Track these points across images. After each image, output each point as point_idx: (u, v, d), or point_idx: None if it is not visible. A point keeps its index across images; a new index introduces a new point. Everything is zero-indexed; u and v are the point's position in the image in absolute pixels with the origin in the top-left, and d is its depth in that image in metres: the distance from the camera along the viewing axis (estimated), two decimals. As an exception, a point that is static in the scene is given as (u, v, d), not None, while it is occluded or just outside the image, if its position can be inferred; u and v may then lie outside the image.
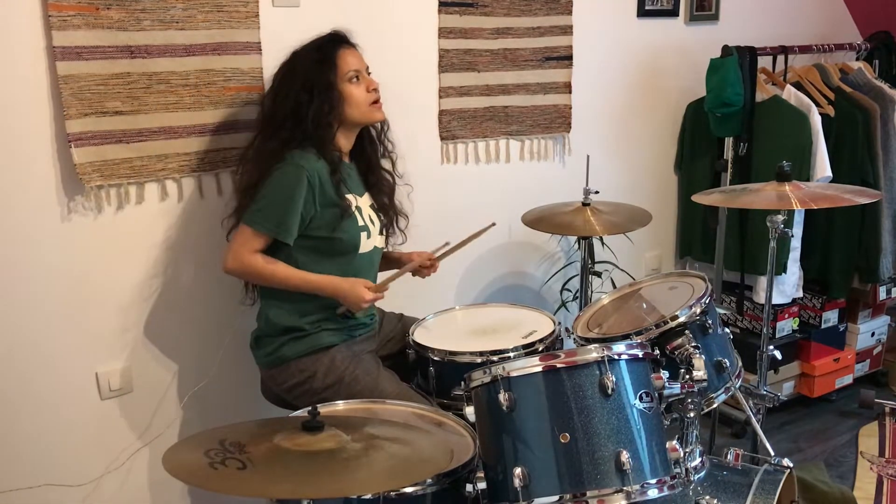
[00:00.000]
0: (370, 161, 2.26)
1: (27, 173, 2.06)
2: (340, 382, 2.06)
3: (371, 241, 2.18)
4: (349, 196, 2.12)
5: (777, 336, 3.20)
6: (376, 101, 2.15)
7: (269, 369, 2.15)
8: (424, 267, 2.29)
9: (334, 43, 2.12)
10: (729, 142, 3.14)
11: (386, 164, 2.31)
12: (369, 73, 2.17)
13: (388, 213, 2.28)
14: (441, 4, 2.64)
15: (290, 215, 2.01)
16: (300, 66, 2.10)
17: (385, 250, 2.31)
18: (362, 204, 2.18)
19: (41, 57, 2.03)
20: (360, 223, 2.14)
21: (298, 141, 2.06)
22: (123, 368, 2.29)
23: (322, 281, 2.07)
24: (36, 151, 2.07)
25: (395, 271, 2.18)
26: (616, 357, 1.57)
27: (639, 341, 1.75)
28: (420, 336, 2.22)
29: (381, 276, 2.22)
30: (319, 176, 2.04)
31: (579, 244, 2.92)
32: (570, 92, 2.96)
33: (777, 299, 3.05)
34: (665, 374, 1.65)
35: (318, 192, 2.03)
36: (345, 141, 2.16)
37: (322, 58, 2.09)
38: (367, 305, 2.07)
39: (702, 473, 1.82)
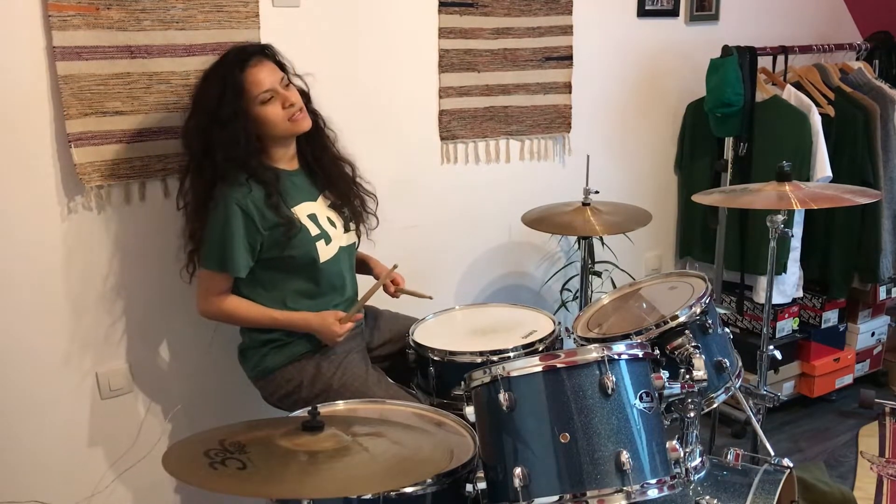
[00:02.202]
0: (318, 157, 2.17)
1: (27, 173, 2.07)
2: (329, 390, 2.05)
3: (334, 245, 2.12)
4: (295, 209, 2.06)
5: (777, 336, 3.20)
6: (295, 114, 2.02)
7: (258, 381, 2.15)
8: (390, 287, 2.24)
9: (238, 63, 1.97)
10: (729, 142, 3.14)
11: (335, 152, 2.22)
12: (288, 84, 2.04)
13: (354, 200, 2.21)
14: (441, 4, 2.64)
15: (232, 250, 1.97)
16: (204, 96, 1.99)
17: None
18: (317, 209, 2.12)
19: (41, 57, 2.03)
20: (315, 232, 2.08)
21: (223, 173, 1.97)
22: (123, 368, 2.29)
23: (292, 318, 2.06)
24: (36, 151, 2.07)
25: (365, 293, 2.12)
26: (616, 357, 1.57)
27: (639, 341, 1.75)
28: (420, 336, 2.22)
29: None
30: (253, 202, 1.97)
31: (579, 244, 2.92)
32: (570, 92, 2.96)
33: (777, 299, 3.05)
34: (665, 374, 1.65)
35: (257, 217, 1.98)
36: (280, 152, 2.09)
37: (223, 83, 1.96)
38: (341, 339, 2.06)
39: (702, 473, 1.82)
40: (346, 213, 2.19)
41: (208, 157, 1.99)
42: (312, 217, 2.10)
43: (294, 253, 2.04)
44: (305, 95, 2.15)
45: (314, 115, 2.15)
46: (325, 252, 2.09)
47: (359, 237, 2.25)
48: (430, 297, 2.27)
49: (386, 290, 2.24)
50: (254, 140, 2.00)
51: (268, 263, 2.05)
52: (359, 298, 2.17)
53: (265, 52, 2.04)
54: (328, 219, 2.14)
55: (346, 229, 2.18)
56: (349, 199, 2.21)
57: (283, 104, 2.01)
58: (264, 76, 1.99)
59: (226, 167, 1.97)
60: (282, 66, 2.07)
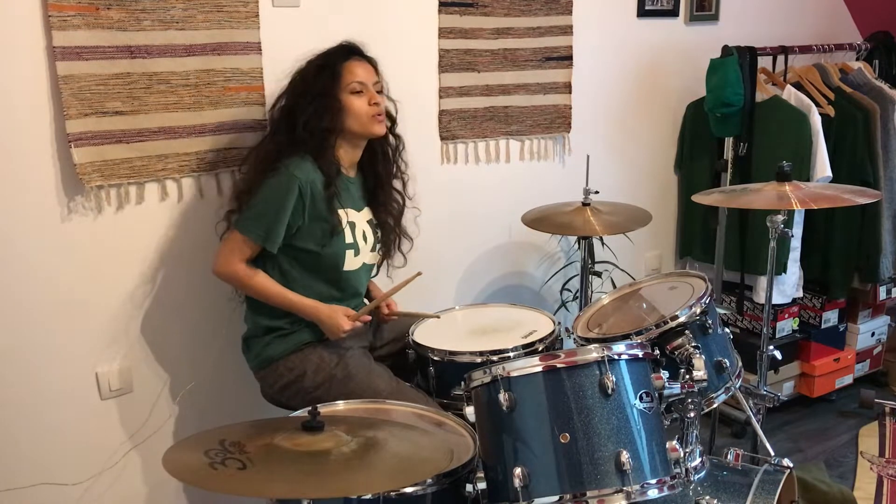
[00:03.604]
0: (380, 178, 2.25)
1: (27, 173, 2.06)
2: (332, 380, 2.06)
3: (360, 259, 2.17)
4: (341, 211, 2.11)
5: (777, 336, 3.20)
6: (378, 115, 2.12)
7: (260, 371, 2.16)
8: (384, 309, 2.27)
9: (343, 53, 2.11)
10: (729, 142, 3.14)
11: (397, 184, 2.30)
12: (381, 91, 2.15)
13: (391, 234, 2.28)
14: (441, 4, 2.64)
15: (278, 224, 2.02)
16: (303, 72, 2.12)
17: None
18: (357, 219, 2.17)
19: (41, 57, 2.03)
20: (349, 240, 2.13)
21: (294, 147, 2.05)
22: (123, 368, 2.29)
23: (303, 303, 2.07)
24: (36, 151, 2.07)
25: (376, 298, 2.22)
26: (616, 357, 1.57)
27: (639, 341, 1.75)
28: (420, 336, 2.22)
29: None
30: (312, 188, 2.03)
31: (579, 244, 2.92)
32: (570, 92, 2.96)
33: (777, 299, 3.05)
34: (665, 374, 1.65)
35: (308, 203, 2.03)
36: (347, 153, 2.15)
37: (324, 64, 2.09)
38: (344, 335, 2.07)
39: (702, 473, 1.82)
40: (378, 235, 2.24)
41: (289, 122, 2.07)
42: (351, 225, 2.14)
43: (324, 252, 2.08)
44: (391, 118, 2.25)
45: (396, 138, 2.25)
46: (350, 262, 2.14)
47: (379, 266, 2.31)
48: (438, 317, 2.29)
49: (379, 311, 2.27)
50: (335, 123, 2.07)
51: (295, 253, 2.07)
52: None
53: (371, 62, 2.16)
54: (363, 233, 2.18)
55: (373, 249, 2.23)
56: (389, 229, 2.27)
57: (369, 100, 2.10)
58: (361, 70, 2.11)
59: (297, 141, 2.04)
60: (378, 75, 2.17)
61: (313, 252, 2.08)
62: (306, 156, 2.05)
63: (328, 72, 2.08)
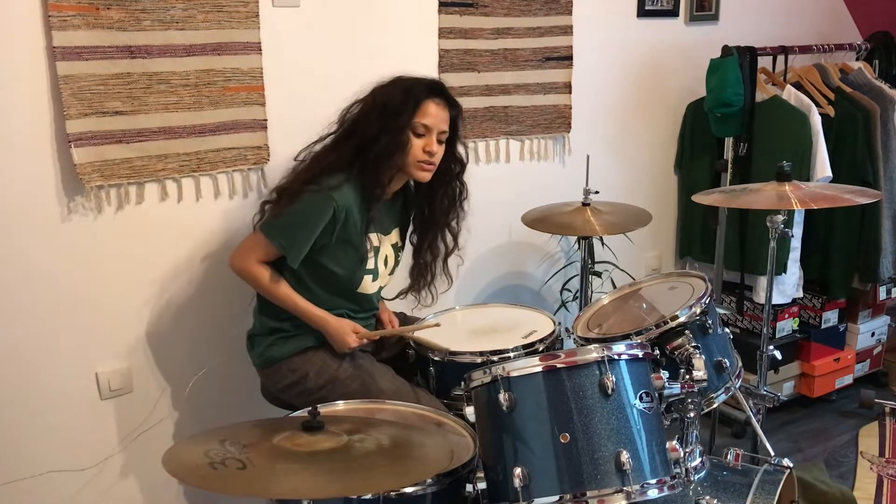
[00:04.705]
0: (435, 219, 2.21)
1: (27, 173, 2.06)
2: (335, 381, 2.06)
3: (377, 283, 2.17)
4: (372, 236, 2.10)
5: (777, 336, 3.20)
6: (427, 163, 2.06)
7: (263, 369, 2.15)
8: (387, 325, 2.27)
9: (428, 89, 2.05)
10: (729, 142, 3.14)
11: (452, 229, 2.27)
12: (441, 141, 2.09)
13: (425, 272, 2.26)
14: (441, 4, 2.64)
15: (304, 241, 2.00)
16: (387, 91, 2.05)
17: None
18: (383, 242, 2.16)
19: (41, 57, 2.03)
20: (370, 266, 2.12)
21: (347, 164, 2.01)
22: (123, 368, 2.29)
23: (312, 312, 2.06)
24: (36, 151, 2.07)
25: (386, 331, 2.20)
26: (616, 357, 1.57)
27: (639, 341, 1.75)
28: (420, 336, 2.22)
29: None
30: (347, 213, 2.00)
31: (579, 244, 2.92)
32: (570, 92, 2.96)
33: (777, 299, 3.05)
34: (665, 374, 1.65)
35: (339, 227, 2.00)
36: (394, 182, 2.12)
37: (408, 92, 2.03)
38: (349, 350, 2.07)
39: (702, 473, 1.82)
40: (398, 258, 2.24)
41: (353, 133, 2.03)
42: (375, 250, 2.13)
43: (346, 274, 2.07)
44: (462, 165, 2.21)
45: (461, 184, 2.22)
46: (367, 286, 2.14)
47: (399, 294, 2.32)
48: (437, 325, 2.26)
49: (382, 325, 2.27)
50: (394, 154, 2.02)
51: (313, 267, 2.05)
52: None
53: (453, 106, 2.10)
54: (385, 257, 2.18)
55: (391, 273, 2.23)
56: (425, 266, 2.25)
57: (425, 146, 2.04)
58: (435, 114, 2.05)
59: (358, 156, 2.01)
60: (454, 127, 2.12)
61: (333, 271, 2.07)
62: (353, 178, 2.02)
63: (410, 103, 2.02)
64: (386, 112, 2.01)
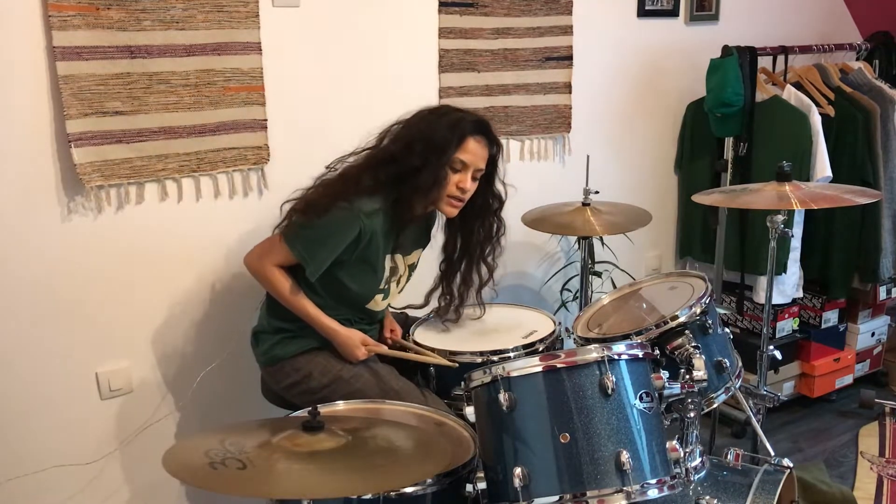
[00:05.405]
0: (470, 251, 2.21)
1: (27, 173, 2.06)
2: (339, 380, 2.06)
3: (386, 301, 2.18)
4: (396, 256, 2.11)
5: (777, 336, 3.20)
6: (457, 199, 2.06)
7: (266, 367, 2.15)
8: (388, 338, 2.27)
9: (473, 126, 2.03)
10: (729, 142, 3.14)
11: (487, 262, 2.26)
12: (476, 178, 2.08)
13: (451, 298, 2.26)
14: (441, 4, 2.64)
15: (326, 257, 1.99)
16: (431, 120, 2.04)
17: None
18: (399, 264, 2.15)
19: (41, 57, 2.03)
20: (383, 286, 2.12)
21: (381, 188, 2.00)
22: (123, 368, 2.29)
23: (324, 321, 2.06)
24: (36, 151, 2.07)
25: (405, 352, 2.16)
26: (616, 357, 1.57)
27: (639, 341, 1.75)
28: (420, 336, 2.22)
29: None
30: (373, 235, 1.99)
31: (579, 244, 2.92)
32: (570, 92, 2.96)
33: (777, 299, 3.05)
34: (665, 374, 1.65)
35: (362, 247, 2.00)
36: (424, 209, 2.11)
37: (454, 128, 2.01)
38: (356, 361, 2.07)
39: (702, 473, 1.82)
40: (411, 276, 2.23)
41: (392, 155, 2.01)
42: (392, 270, 2.13)
43: (356, 289, 2.07)
44: (500, 202, 2.20)
45: (499, 221, 2.22)
46: (376, 304, 2.14)
47: (405, 312, 2.34)
48: (456, 365, 2.13)
49: (385, 338, 2.26)
50: (430, 186, 2.01)
51: (327, 277, 2.04)
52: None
53: (495, 144, 2.09)
54: (399, 278, 2.18)
55: (401, 291, 2.23)
56: (450, 292, 2.25)
57: (458, 183, 2.03)
58: (475, 151, 2.03)
59: (393, 183, 1.99)
60: (492, 164, 2.11)
61: (346, 286, 2.06)
62: (385, 203, 2.00)
63: (456, 139, 2.00)
64: (431, 146, 1.99)
